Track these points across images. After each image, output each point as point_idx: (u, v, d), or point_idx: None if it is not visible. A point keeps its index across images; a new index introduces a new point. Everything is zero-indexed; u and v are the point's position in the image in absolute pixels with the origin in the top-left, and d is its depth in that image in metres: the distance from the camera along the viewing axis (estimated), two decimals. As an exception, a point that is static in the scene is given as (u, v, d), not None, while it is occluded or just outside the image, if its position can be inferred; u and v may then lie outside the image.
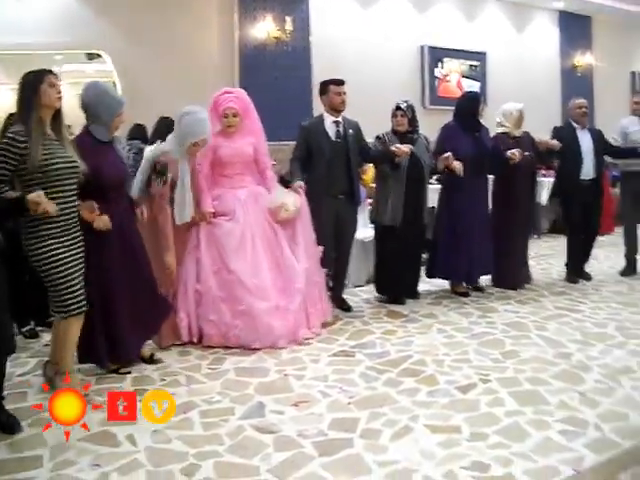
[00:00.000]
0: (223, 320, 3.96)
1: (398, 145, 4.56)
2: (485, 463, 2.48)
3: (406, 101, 4.87)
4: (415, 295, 5.08)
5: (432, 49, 9.01)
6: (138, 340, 3.67)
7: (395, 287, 4.96)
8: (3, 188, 2.91)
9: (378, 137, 4.88)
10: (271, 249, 4.17)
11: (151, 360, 3.72)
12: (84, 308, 3.17)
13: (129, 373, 3.55)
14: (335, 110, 4.61)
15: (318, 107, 7.83)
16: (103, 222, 3.31)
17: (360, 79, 8.00)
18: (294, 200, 4.23)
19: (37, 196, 2.79)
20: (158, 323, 3.77)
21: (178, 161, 3.88)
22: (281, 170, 5.75)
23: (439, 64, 9.10)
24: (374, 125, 5.10)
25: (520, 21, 10.23)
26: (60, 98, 3.10)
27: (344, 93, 4.61)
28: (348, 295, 5.08)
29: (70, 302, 3.10)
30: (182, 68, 7.31)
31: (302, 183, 4.39)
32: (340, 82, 4.63)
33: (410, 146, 4.61)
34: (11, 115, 3.95)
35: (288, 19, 7.68)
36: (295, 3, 7.90)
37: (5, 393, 2.93)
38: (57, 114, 3.12)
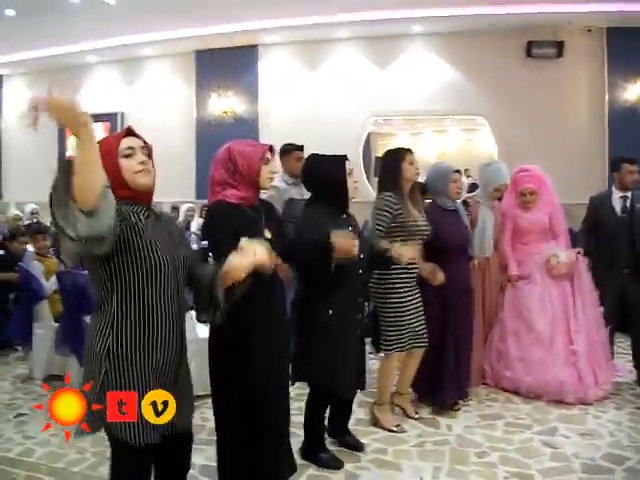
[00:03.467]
0: (517, 377, 4.71)
1: None
2: None
3: None
4: None
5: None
6: (456, 391, 4.43)
7: None
8: (378, 241, 3.73)
9: None
10: (564, 307, 4.76)
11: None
12: (401, 349, 3.96)
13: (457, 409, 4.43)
14: (624, 188, 5.01)
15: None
16: (439, 280, 4.04)
17: None
18: (568, 254, 4.77)
19: (401, 250, 3.47)
20: (467, 384, 4.56)
21: (480, 204, 4.84)
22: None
23: None
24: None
25: None
26: (418, 174, 4.01)
27: (637, 172, 4.96)
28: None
29: (390, 340, 3.94)
30: (552, 128, 8.39)
31: (580, 249, 4.92)
32: (633, 161, 4.98)
33: None
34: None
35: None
36: None
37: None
38: (413, 186, 4.02)
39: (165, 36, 9.40)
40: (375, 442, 3.84)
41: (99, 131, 10.39)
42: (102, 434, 2.19)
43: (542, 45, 8.44)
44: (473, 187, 7.22)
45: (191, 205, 8.61)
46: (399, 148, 4.15)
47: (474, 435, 3.99)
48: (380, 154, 12.07)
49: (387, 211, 3.86)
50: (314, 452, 3.59)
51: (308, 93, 9.38)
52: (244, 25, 9.03)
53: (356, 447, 3.74)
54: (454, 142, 13.12)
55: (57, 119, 1.74)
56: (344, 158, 3.41)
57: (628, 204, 5.00)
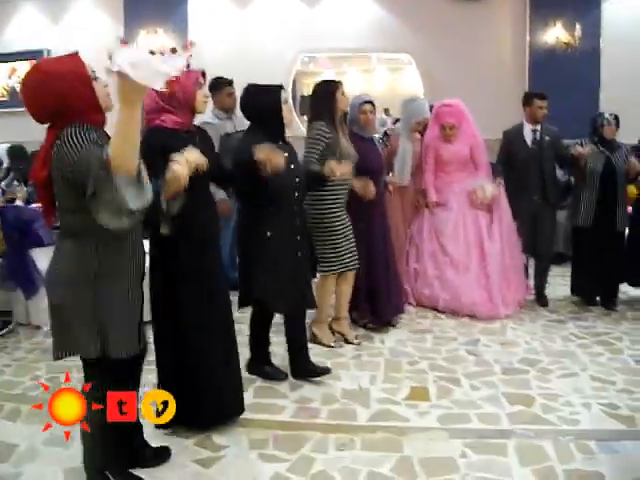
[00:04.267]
0: (434, 294, 5.19)
1: (578, 147, 5.05)
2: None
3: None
4: (612, 303, 5.33)
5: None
6: (393, 310, 4.83)
7: (590, 289, 5.41)
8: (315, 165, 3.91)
9: (579, 143, 5.23)
10: (477, 233, 5.19)
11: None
12: (337, 270, 4.24)
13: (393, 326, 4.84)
14: (535, 121, 5.34)
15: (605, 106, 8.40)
16: (371, 192, 4.26)
17: None
18: (493, 187, 5.17)
19: (334, 165, 3.72)
20: (400, 307, 4.93)
21: (400, 135, 5.20)
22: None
23: None
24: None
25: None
26: (347, 105, 4.28)
27: (545, 107, 5.29)
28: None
29: (329, 262, 4.22)
30: (476, 67, 8.66)
31: (501, 180, 5.29)
32: (543, 97, 5.31)
33: (590, 147, 5.05)
34: None
35: (578, 26, 8.41)
36: (587, 9, 8.50)
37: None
38: (342, 114, 4.24)
39: (92, -29, 9.14)
40: (315, 357, 4.09)
41: (26, 69, 10.07)
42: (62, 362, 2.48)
43: (468, -14, 8.67)
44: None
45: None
46: (332, 80, 4.39)
47: (406, 347, 4.37)
48: (306, 93, 12.22)
49: (320, 139, 4.05)
50: (259, 365, 3.86)
51: (238, 31, 9.27)
52: (173, -39, 8.88)
53: (323, 372, 3.83)
54: (380, 81, 13.23)
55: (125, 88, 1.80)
56: (280, 87, 3.55)
57: (538, 137, 5.33)
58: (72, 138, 2.10)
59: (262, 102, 3.51)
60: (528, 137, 5.36)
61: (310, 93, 4.41)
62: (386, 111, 11.48)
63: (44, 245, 4.66)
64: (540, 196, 5.30)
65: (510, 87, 8.63)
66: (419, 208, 5.43)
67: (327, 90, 4.18)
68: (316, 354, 4.17)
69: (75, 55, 2.25)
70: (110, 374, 2.38)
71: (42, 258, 4.52)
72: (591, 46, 8.56)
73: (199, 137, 3.03)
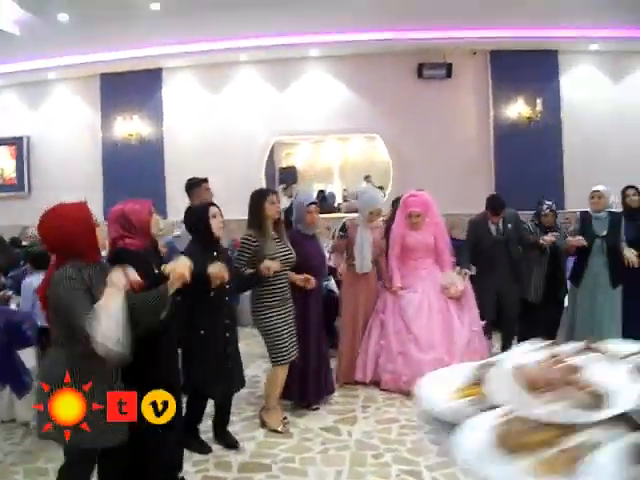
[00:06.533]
0: (397, 370, 5.44)
1: (545, 238, 5.75)
2: None
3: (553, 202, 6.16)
4: None
5: None
6: (320, 392, 5.16)
7: None
8: (243, 270, 4.41)
9: (525, 228, 6.02)
10: (443, 316, 5.53)
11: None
12: (287, 361, 4.61)
13: (317, 409, 5.12)
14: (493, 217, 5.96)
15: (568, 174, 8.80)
16: (312, 284, 4.78)
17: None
18: (461, 282, 5.62)
19: (268, 263, 4.33)
20: (329, 389, 5.28)
21: (359, 225, 5.57)
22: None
23: None
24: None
25: None
26: (279, 212, 4.62)
27: (495, 221, 5.93)
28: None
29: (278, 355, 4.58)
30: (443, 143, 9.16)
31: (467, 271, 5.80)
32: (495, 213, 5.89)
33: (555, 235, 5.78)
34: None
35: (539, 101, 8.93)
36: (546, 84, 9.07)
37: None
38: (277, 220, 4.61)
39: (70, 61, 9.47)
40: (283, 452, 4.32)
41: (4, 155, 10.39)
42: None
43: (432, 67, 9.15)
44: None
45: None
46: (262, 189, 4.94)
47: (372, 439, 4.54)
48: (284, 164, 12.70)
49: (246, 249, 4.51)
50: (188, 440, 4.18)
51: (212, 115, 9.74)
52: (148, 50, 9.28)
53: (234, 445, 4.39)
54: (357, 149, 13.67)
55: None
56: (207, 206, 4.15)
57: (501, 225, 5.95)
58: (64, 282, 2.65)
59: (193, 221, 4.20)
60: (492, 227, 5.96)
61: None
62: (367, 178, 11.82)
63: (32, 345, 4.84)
64: (507, 273, 5.87)
65: (476, 161, 9.09)
66: (386, 290, 5.77)
67: (257, 200, 4.59)
68: (284, 449, 4.36)
69: (84, 204, 2.86)
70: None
71: (30, 358, 4.81)
72: (553, 118, 9.05)
73: (155, 252, 3.62)
